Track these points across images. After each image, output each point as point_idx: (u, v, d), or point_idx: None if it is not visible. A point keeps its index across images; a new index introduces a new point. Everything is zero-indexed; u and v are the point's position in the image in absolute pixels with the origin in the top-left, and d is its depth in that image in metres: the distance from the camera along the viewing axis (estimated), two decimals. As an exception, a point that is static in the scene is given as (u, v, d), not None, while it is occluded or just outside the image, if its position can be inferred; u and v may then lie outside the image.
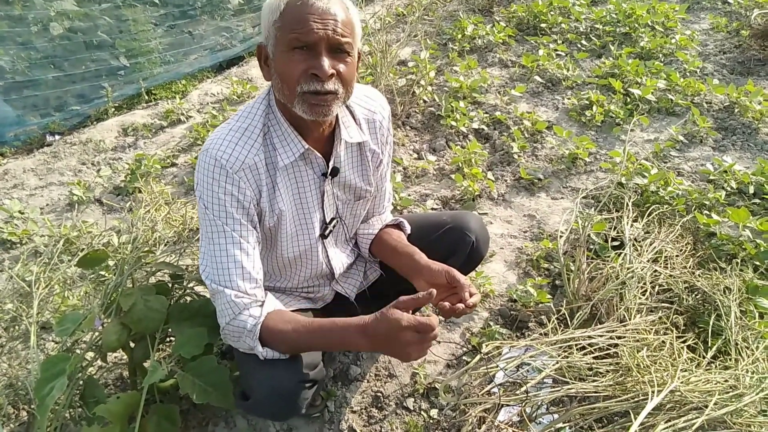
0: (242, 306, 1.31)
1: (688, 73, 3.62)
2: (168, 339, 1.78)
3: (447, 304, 1.32)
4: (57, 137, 3.39)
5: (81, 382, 1.51)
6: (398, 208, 2.57)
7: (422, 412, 1.73)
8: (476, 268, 1.81)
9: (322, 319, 1.32)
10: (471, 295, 1.36)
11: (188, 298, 1.74)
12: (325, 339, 1.30)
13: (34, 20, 3.35)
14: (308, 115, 1.26)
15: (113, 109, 3.63)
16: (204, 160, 1.30)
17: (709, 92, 3.36)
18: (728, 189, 2.55)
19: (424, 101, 3.42)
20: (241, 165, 1.30)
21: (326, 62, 1.21)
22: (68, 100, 3.52)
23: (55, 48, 3.42)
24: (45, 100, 3.44)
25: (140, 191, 2.78)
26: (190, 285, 1.74)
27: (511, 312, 2.06)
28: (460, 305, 1.33)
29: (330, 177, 1.44)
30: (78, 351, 1.56)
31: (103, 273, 2.08)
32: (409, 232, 1.67)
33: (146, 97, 3.79)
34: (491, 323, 2.00)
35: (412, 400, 1.76)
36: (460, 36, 4.21)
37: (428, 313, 1.25)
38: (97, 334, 1.52)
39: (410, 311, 1.20)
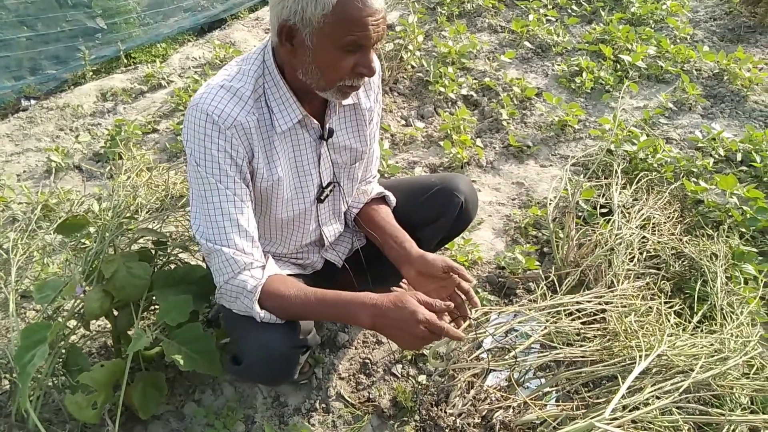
0: (242, 265, 1.27)
1: (678, 40, 3.58)
2: (152, 307, 1.75)
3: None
4: (33, 102, 3.26)
5: (63, 351, 1.48)
6: (386, 175, 2.53)
7: (410, 378, 1.73)
8: (465, 232, 1.79)
9: (326, 290, 1.29)
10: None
11: (172, 265, 1.70)
12: (327, 310, 1.28)
13: (3, -24, 3.19)
14: (337, 99, 1.30)
15: (91, 73, 3.49)
16: (194, 115, 1.24)
17: (698, 59, 3.33)
18: (716, 156, 2.55)
19: (412, 66, 3.35)
20: (232, 122, 1.25)
21: (375, 62, 1.20)
22: (43, 62, 3.37)
23: (26, 7, 3.26)
24: (18, 62, 3.29)
25: (120, 157, 2.70)
26: (174, 252, 1.71)
27: (499, 279, 2.06)
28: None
29: (326, 140, 1.41)
30: (60, 319, 1.53)
31: (83, 240, 2.03)
32: (394, 204, 1.65)
33: (125, 61, 3.65)
34: (479, 290, 2.00)
35: (400, 366, 1.76)
36: (448, 0, 4.11)
37: (447, 303, 1.23)
38: (78, 301, 1.49)
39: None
